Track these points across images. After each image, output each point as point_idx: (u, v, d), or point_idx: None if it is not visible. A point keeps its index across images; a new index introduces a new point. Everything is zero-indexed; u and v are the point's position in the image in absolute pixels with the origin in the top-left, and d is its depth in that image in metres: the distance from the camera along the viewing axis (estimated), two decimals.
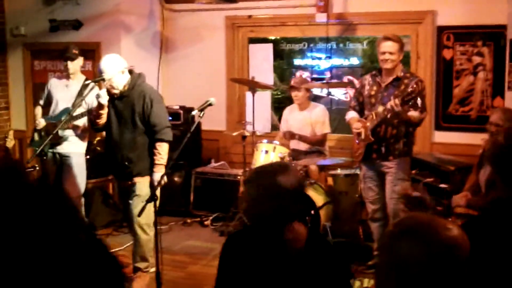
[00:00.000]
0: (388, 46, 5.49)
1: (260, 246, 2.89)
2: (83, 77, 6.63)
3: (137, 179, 5.44)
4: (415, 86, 5.42)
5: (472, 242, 1.88)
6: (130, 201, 5.49)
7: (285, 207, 2.76)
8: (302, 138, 6.96)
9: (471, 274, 1.87)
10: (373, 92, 5.68)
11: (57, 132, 5.92)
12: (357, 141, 5.78)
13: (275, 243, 2.83)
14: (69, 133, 6.45)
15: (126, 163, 5.41)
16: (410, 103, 5.14)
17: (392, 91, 5.52)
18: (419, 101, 5.19)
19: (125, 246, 6.44)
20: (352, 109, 5.91)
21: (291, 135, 6.97)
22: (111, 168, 5.75)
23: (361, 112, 5.82)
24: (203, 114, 5.00)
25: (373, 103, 5.65)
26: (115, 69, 5.35)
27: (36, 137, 6.58)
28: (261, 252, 2.87)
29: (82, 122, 6.41)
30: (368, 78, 5.81)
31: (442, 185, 5.86)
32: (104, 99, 5.41)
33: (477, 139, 5.97)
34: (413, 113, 5.26)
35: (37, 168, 7.10)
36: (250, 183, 2.85)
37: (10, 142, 6.96)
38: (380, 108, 5.45)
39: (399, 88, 5.48)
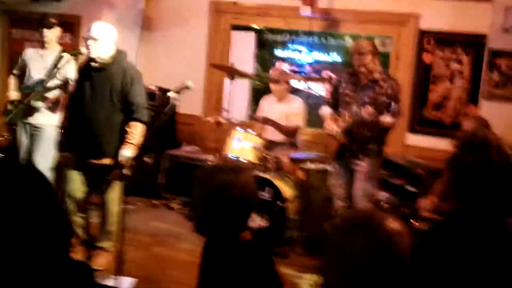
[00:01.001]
0: (361, 60, 5.52)
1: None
2: (58, 48, 6.53)
3: (107, 160, 5.34)
4: (390, 90, 5.41)
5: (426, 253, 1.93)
6: (101, 181, 5.42)
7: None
8: (275, 124, 6.92)
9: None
10: (349, 92, 5.67)
11: (29, 102, 5.85)
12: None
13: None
14: (42, 104, 6.37)
15: (99, 140, 5.30)
16: (387, 111, 5.14)
17: (368, 92, 5.50)
18: (393, 105, 5.19)
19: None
20: (327, 105, 5.91)
21: (264, 120, 6.95)
22: (77, 144, 5.48)
23: (336, 109, 5.81)
24: (180, 96, 4.96)
25: (348, 102, 5.64)
26: (106, 35, 5.26)
27: (9, 107, 6.49)
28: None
29: (56, 94, 6.33)
30: (345, 76, 5.81)
31: (411, 188, 5.90)
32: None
33: (450, 145, 6.00)
34: (387, 119, 5.25)
35: (7, 137, 7.02)
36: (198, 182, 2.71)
37: None
38: (354, 110, 5.44)
39: (374, 90, 5.47)
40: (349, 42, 7.87)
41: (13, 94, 6.46)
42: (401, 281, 1.89)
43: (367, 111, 5.20)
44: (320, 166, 6.56)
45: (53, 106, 6.36)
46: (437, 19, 7.03)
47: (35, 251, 1.88)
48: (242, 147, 6.49)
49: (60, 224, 1.96)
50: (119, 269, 4.75)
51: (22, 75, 6.61)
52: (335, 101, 5.83)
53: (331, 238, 2.00)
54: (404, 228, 1.94)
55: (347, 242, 1.90)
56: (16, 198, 1.88)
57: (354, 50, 5.62)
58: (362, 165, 5.62)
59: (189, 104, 7.60)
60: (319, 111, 5.97)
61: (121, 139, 5.29)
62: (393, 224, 1.93)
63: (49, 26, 6.41)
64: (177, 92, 5.01)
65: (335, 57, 7.97)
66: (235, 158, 6.48)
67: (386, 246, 1.88)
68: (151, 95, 7.49)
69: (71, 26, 7.85)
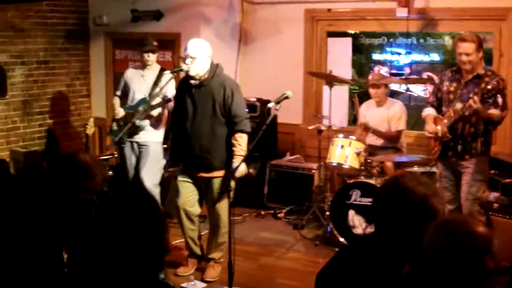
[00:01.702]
0: (464, 48, 5.34)
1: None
2: (158, 67, 6.73)
3: (216, 173, 5.47)
4: (495, 84, 5.23)
5: None
6: (210, 194, 5.55)
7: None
8: (376, 132, 6.88)
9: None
10: (452, 88, 5.55)
11: (135, 121, 6.05)
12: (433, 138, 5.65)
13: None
14: (146, 122, 6.58)
15: (206, 154, 5.42)
16: (490, 100, 5.02)
17: (472, 88, 5.37)
18: (499, 99, 5.08)
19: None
20: (430, 105, 5.79)
21: (366, 127, 6.90)
22: (184, 159, 5.65)
23: (438, 108, 5.70)
24: (280, 106, 5.00)
25: (451, 99, 5.52)
26: (202, 52, 5.36)
27: (115, 126, 6.75)
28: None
29: (159, 111, 6.51)
30: (448, 74, 5.67)
31: None
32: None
33: None
34: (493, 111, 5.15)
35: (116, 155, 7.29)
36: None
37: (90, 130, 7.14)
38: (459, 105, 5.33)
39: (479, 86, 5.31)
40: (448, 41, 7.71)
41: (121, 111, 6.68)
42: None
43: (473, 100, 5.09)
44: (425, 168, 6.45)
45: (157, 124, 6.55)
46: None
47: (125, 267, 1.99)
48: (344, 153, 6.47)
49: (154, 244, 2.07)
50: (229, 280, 4.81)
51: (124, 95, 6.85)
52: (438, 101, 5.71)
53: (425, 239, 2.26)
54: (485, 230, 2.19)
55: (430, 238, 2.21)
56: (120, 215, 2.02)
57: (457, 39, 5.45)
58: (468, 166, 5.48)
59: (289, 113, 7.64)
60: (422, 113, 5.86)
61: (227, 151, 5.41)
62: (474, 225, 2.18)
63: (154, 51, 6.63)
64: (277, 102, 5.05)
65: (435, 57, 7.82)
66: (337, 164, 6.49)
67: (462, 243, 2.14)
68: (251, 106, 7.58)
69: (171, 43, 8.04)
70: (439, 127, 5.51)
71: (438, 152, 5.61)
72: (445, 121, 5.46)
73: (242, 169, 5.29)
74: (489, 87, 5.14)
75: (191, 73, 5.35)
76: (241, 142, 5.37)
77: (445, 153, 5.57)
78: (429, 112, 5.74)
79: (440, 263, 2.16)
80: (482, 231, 2.16)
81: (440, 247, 2.16)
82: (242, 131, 5.39)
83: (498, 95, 5.11)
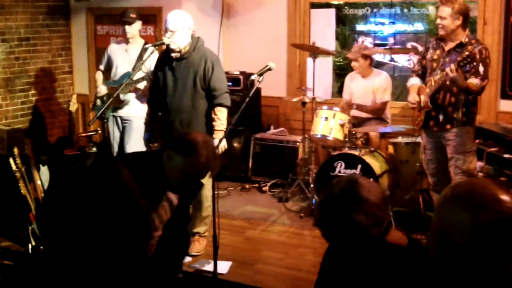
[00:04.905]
0: (440, 10, 5.28)
1: None
2: (142, 41, 6.70)
3: None
4: (478, 55, 5.12)
5: None
6: None
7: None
8: (360, 107, 6.86)
9: None
10: (435, 56, 5.47)
11: (118, 95, 6.00)
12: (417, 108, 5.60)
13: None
14: (129, 97, 6.54)
15: (186, 128, 5.32)
16: (468, 68, 4.96)
17: (454, 57, 5.27)
18: (481, 68, 5.01)
19: None
20: (416, 74, 5.73)
21: (348, 106, 6.90)
22: (164, 134, 5.57)
23: (424, 77, 5.62)
24: (262, 78, 4.95)
25: (434, 67, 5.45)
26: (182, 25, 5.30)
27: (99, 102, 6.71)
28: None
29: (143, 85, 6.46)
30: (432, 42, 5.60)
31: (507, 155, 5.69)
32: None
33: None
34: (472, 80, 5.09)
35: (100, 131, 7.24)
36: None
37: (74, 106, 7.10)
38: (438, 75, 5.28)
39: (461, 54, 5.18)
40: (432, 10, 7.66)
41: (103, 89, 6.65)
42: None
43: (450, 69, 5.01)
44: (410, 139, 6.44)
45: (143, 98, 6.50)
46: None
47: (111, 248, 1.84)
48: (328, 125, 6.44)
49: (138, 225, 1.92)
50: (214, 254, 4.79)
51: (107, 70, 6.80)
52: (423, 69, 5.64)
53: (436, 207, 1.95)
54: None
55: (450, 214, 1.86)
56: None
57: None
58: (451, 138, 5.40)
59: (273, 86, 7.60)
60: (407, 83, 5.81)
61: (207, 125, 5.35)
62: (505, 202, 1.80)
63: (130, 23, 6.57)
64: (260, 74, 5.00)
65: (418, 27, 7.77)
66: (321, 136, 6.47)
67: (492, 225, 1.77)
68: (235, 80, 7.54)
69: (153, 17, 7.96)
70: (422, 97, 5.46)
71: (421, 122, 5.54)
72: (427, 90, 5.41)
73: (222, 145, 5.22)
74: (466, 53, 5.03)
75: (172, 46, 5.30)
76: (220, 116, 5.32)
77: (427, 123, 5.51)
78: (413, 82, 5.69)
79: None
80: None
81: (463, 228, 1.82)
82: (221, 105, 5.34)
83: (480, 64, 5.05)
